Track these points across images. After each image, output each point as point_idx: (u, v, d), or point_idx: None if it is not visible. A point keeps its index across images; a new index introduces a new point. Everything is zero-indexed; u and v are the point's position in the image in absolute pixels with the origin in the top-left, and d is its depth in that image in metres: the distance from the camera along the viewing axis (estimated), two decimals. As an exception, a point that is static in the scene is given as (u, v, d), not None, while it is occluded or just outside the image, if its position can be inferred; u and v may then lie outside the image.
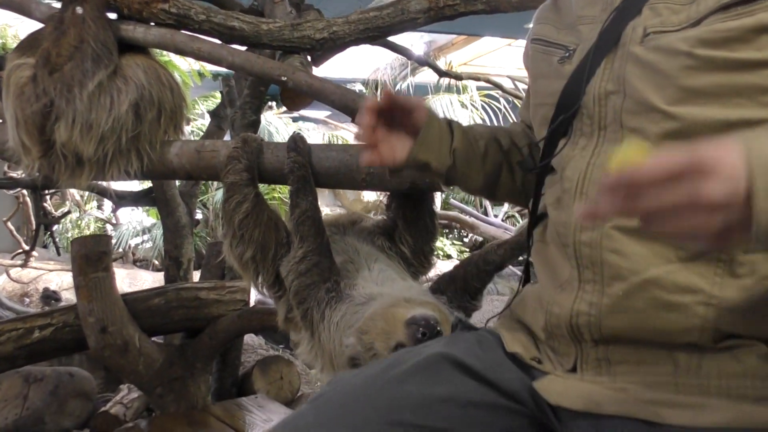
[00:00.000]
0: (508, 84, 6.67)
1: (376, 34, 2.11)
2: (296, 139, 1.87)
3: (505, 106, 9.25)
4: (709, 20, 0.92)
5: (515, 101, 7.15)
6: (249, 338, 4.12)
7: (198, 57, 2.02)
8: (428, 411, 1.02)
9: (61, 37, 1.93)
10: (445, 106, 9.50)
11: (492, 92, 9.00)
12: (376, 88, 12.40)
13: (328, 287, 1.69)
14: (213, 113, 4.27)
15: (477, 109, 9.61)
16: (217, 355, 2.82)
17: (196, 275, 4.11)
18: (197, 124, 9.55)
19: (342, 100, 1.92)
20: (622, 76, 1.00)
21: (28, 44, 2.02)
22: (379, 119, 1.22)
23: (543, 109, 1.15)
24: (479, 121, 9.95)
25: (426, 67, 5.44)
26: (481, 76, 5.67)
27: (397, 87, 11.82)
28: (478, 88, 9.51)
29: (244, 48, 2.12)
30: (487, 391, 1.05)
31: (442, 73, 5.89)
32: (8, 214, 8.46)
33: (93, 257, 2.50)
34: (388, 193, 1.95)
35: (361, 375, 1.11)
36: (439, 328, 1.41)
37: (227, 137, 4.09)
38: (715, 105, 0.91)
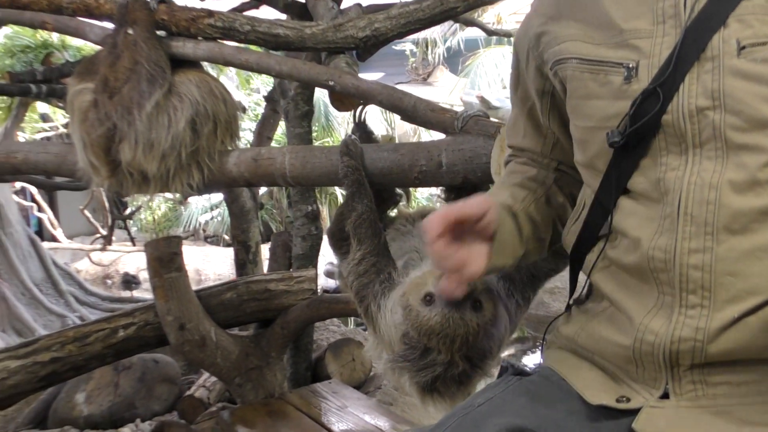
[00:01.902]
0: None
1: (418, 26, 2.11)
2: (348, 144, 1.90)
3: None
4: None
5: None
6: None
7: (246, 68, 2.07)
8: None
9: (116, 61, 2.02)
10: (497, 59, 9.34)
11: (545, 41, 8.74)
12: (426, 46, 12.27)
13: (381, 279, 1.74)
14: (268, 98, 4.34)
15: (531, 60, 9.39)
16: (290, 343, 2.94)
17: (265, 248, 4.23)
18: (254, 98, 9.70)
19: (389, 100, 1.95)
20: (719, 91, 0.95)
21: (86, 69, 2.11)
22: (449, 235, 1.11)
23: (602, 132, 1.07)
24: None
25: (475, 22, 5.35)
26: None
27: (448, 43, 11.66)
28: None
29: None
30: None
31: (490, 32, 5.80)
32: (83, 201, 8.86)
33: (165, 258, 2.62)
34: (443, 188, 1.98)
35: None
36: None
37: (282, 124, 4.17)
38: None
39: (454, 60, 11.63)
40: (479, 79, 9.76)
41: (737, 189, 0.93)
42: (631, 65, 1.02)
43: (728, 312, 0.93)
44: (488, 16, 8.63)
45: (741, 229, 0.93)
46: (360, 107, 2.05)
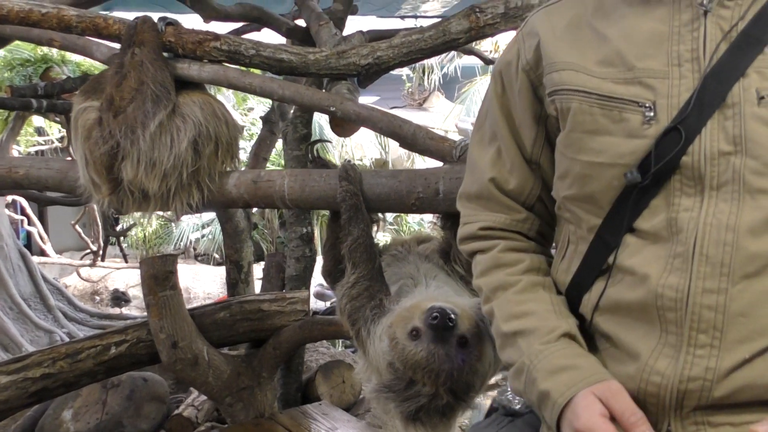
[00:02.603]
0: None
1: (419, 56, 2.16)
2: (347, 168, 1.94)
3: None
4: None
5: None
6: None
7: (250, 91, 2.11)
8: None
9: (122, 81, 2.05)
10: (492, 88, 9.45)
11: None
12: (423, 72, 12.39)
13: (373, 305, 1.76)
14: (265, 119, 4.38)
15: (525, 89, 9.51)
16: (281, 364, 2.94)
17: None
18: (249, 117, 9.75)
19: (389, 127, 1.99)
20: (741, 136, 0.99)
21: (92, 87, 2.14)
22: None
23: (613, 169, 1.07)
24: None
25: (472, 50, 5.40)
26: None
27: (444, 69, 11.78)
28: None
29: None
30: None
31: (488, 61, 5.87)
32: (74, 216, 8.85)
33: (161, 277, 2.63)
34: (440, 216, 2.01)
35: None
36: (453, 317, 1.48)
37: (279, 142, 4.20)
38: None
39: (450, 86, 11.75)
40: (474, 107, 9.86)
41: (754, 232, 0.96)
42: (647, 104, 1.04)
43: (739, 353, 0.96)
44: (486, 44, 8.74)
45: (755, 272, 0.96)
46: (309, 145, 2.09)
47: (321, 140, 4.90)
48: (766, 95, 0.98)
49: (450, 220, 1.97)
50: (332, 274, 2.01)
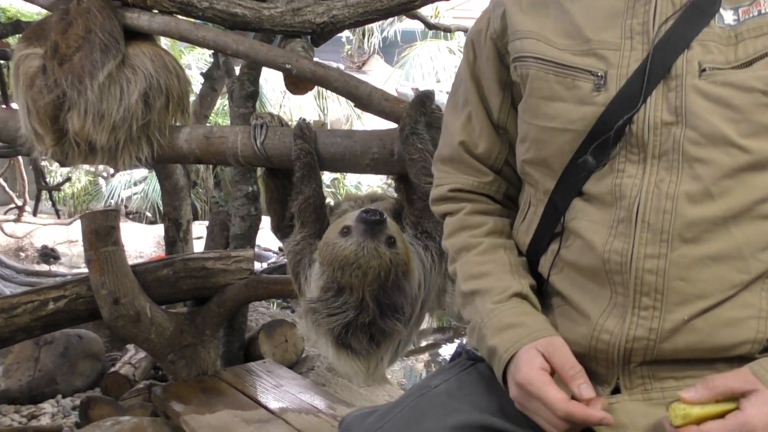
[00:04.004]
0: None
1: (375, 16, 2.17)
2: (302, 127, 1.94)
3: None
4: (762, 62, 1.00)
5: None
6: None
7: (202, 44, 2.07)
8: None
9: (68, 28, 1.98)
10: (432, 53, 9.46)
11: (480, 39, 8.93)
12: (363, 35, 12.29)
13: (312, 251, 1.79)
14: (206, 75, 4.29)
15: (465, 55, 9.56)
16: (225, 322, 2.94)
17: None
18: (188, 73, 9.48)
19: (345, 87, 1.99)
20: (682, 107, 1.03)
21: (35, 34, 2.05)
22: None
23: (565, 134, 1.12)
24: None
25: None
26: (469, 28, 5.67)
27: (384, 33, 11.72)
28: (467, 33, 9.43)
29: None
30: None
31: (431, 26, 5.89)
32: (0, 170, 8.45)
33: (102, 232, 2.58)
34: (394, 176, 2.03)
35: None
36: (384, 214, 1.55)
37: (220, 100, 4.13)
38: None
39: (390, 50, 11.72)
40: (414, 71, 9.88)
41: (692, 200, 1.01)
42: (599, 74, 1.08)
43: (679, 314, 1.02)
44: (426, 9, 8.73)
45: (693, 238, 1.01)
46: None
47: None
48: (708, 68, 1.02)
49: (403, 182, 2.00)
50: (281, 229, 2.02)
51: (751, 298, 1.01)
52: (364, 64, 13.08)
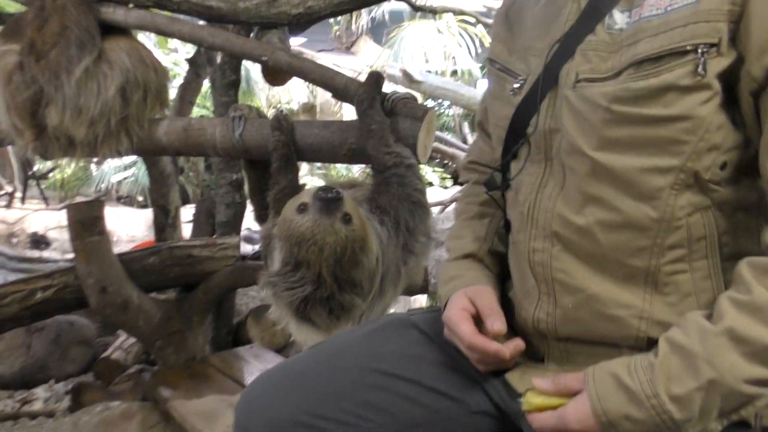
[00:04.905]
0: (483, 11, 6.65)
1: (351, 6, 2.18)
2: (280, 118, 1.96)
3: (481, 32, 9.19)
4: (627, 72, 1.02)
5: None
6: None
7: (179, 38, 2.09)
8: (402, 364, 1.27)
9: (43, 24, 1.99)
10: (421, 33, 9.42)
11: (468, 18, 8.91)
12: (351, 16, 12.21)
13: None
14: (191, 62, 4.29)
15: (453, 35, 9.54)
16: (212, 308, 2.99)
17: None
18: (171, 57, 9.44)
19: (322, 78, 2.01)
20: (560, 117, 1.11)
21: (11, 30, 2.07)
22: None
23: (498, 130, 1.26)
24: (456, 49, 9.89)
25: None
26: (456, 9, 5.64)
27: (373, 14, 11.66)
28: (454, 13, 9.40)
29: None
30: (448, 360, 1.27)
31: (416, 8, 5.89)
32: (-13, 156, 8.45)
33: (87, 222, 2.62)
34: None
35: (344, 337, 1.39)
36: (339, 192, 1.57)
37: (206, 83, 4.14)
38: (631, 153, 1.02)
39: (378, 31, 11.66)
40: (403, 52, 9.85)
41: (565, 203, 1.10)
42: (522, 77, 1.20)
43: (566, 302, 1.12)
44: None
45: (567, 238, 1.10)
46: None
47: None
48: (583, 78, 1.07)
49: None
50: (264, 218, 2.05)
51: (633, 299, 1.07)
52: (352, 45, 13.01)
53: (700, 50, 0.96)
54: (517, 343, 1.19)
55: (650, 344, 1.05)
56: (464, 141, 8.71)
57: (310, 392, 1.23)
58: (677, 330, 0.99)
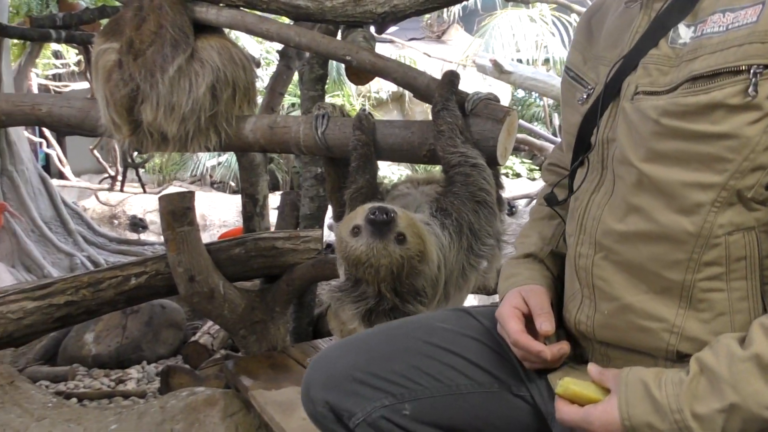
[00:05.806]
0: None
1: (436, 4, 2.16)
2: (362, 118, 1.97)
3: (576, 20, 8.92)
4: (682, 87, 1.02)
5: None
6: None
7: (267, 37, 2.13)
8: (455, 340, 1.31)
9: (141, 24, 2.08)
10: (513, 22, 9.25)
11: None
12: (444, 3, 12.11)
13: None
14: (282, 53, 4.37)
15: (546, 23, 9.31)
16: (294, 299, 3.05)
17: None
18: (265, 46, 9.66)
19: (404, 78, 2.01)
20: (616, 127, 1.12)
21: (111, 29, 2.17)
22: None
23: (568, 137, 1.29)
24: (549, 37, 9.65)
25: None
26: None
27: (464, 2, 11.51)
28: (547, 2, 9.17)
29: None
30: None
31: (509, -2, 5.76)
32: (93, 141, 8.93)
33: (179, 213, 2.72)
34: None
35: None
36: (390, 213, 1.57)
37: (296, 76, 4.21)
38: (676, 167, 1.03)
39: (470, 19, 11.52)
40: (494, 41, 9.70)
41: (611, 212, 1.12)
42: (590, 86, 1.22)
43: (603, 307, 1.14)
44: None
45: (608, 246, 1.12)
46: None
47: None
48: (642, 91, 1.08)
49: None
50: (341, 217, 2.07)
51: (666, 312, 1.07)
52: (443, 33, 12.93)
53: (753, 70, 0.96)
54: (562, 346, 1.21)
55: (680, 356, 1.06)
56: (554, 133, 8.50)
57: (366, 353, 1.30)
58: (708, 351, 1.00)
